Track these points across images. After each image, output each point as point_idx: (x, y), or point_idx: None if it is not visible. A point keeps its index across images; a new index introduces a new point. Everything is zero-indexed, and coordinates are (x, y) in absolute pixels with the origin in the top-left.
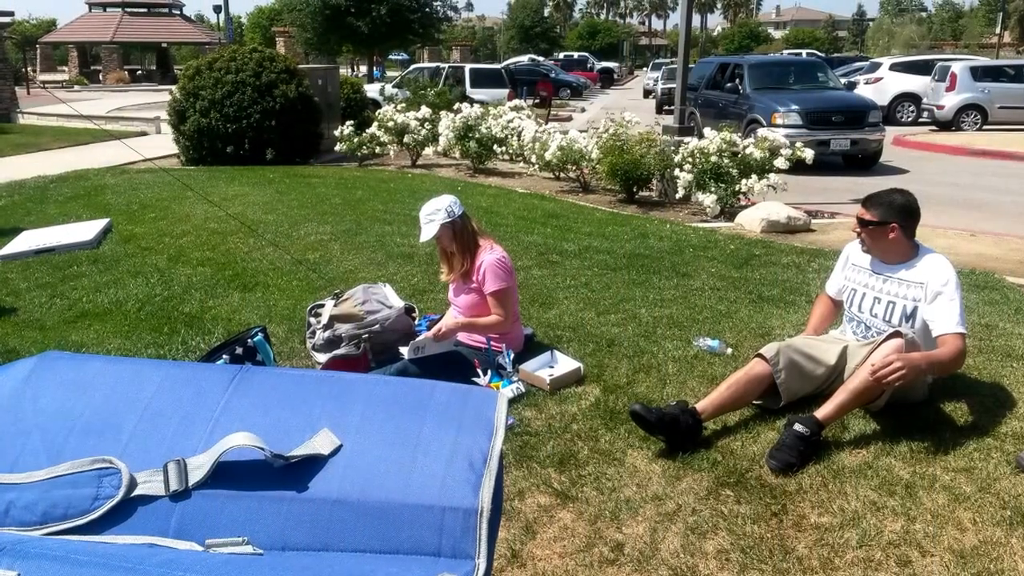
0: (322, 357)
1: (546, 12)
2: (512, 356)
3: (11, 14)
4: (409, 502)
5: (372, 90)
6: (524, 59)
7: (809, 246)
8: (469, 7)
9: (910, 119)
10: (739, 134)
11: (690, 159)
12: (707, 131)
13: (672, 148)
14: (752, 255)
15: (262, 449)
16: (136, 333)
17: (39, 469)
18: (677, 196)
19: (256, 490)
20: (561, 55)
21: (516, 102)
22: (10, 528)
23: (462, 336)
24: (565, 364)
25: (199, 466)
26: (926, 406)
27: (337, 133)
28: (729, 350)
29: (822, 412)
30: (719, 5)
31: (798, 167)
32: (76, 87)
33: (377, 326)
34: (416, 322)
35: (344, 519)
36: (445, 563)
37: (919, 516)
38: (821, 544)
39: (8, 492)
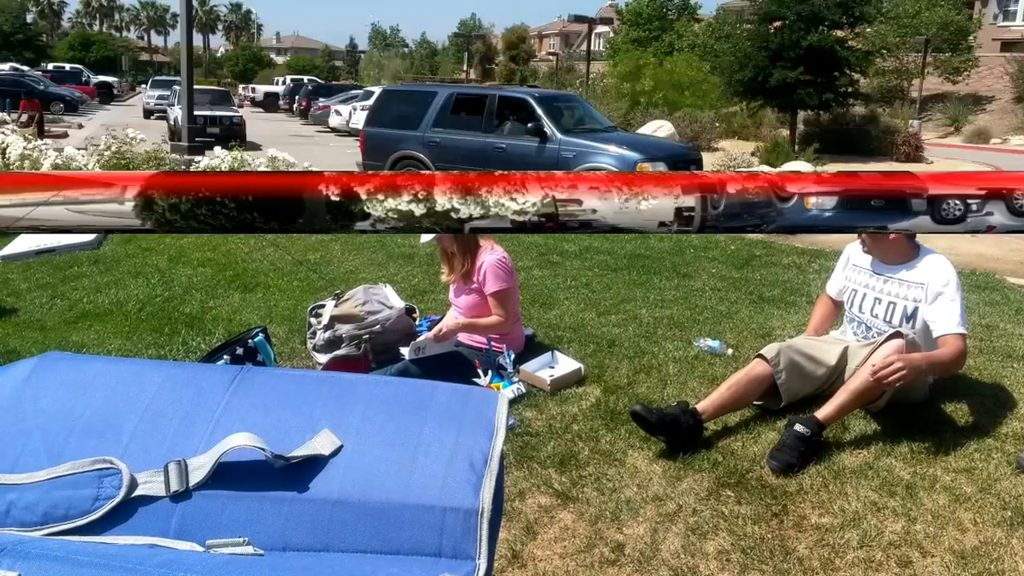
0: (323, 358)
1: (29, 18)
2: (513, 357)
3: None
4: (410, 503)
5: None
6: (6, 67)
7: (810, 247)
8: None
9: None
10: None
11: None
12: None
13: (184, 167)
14: (753, 256)
15: (263, 449)
16: (137, 334)
17: (40, 469)
18: None
19: (257, 491)
20: (51, 66)
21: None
22: (11, 528)
23: (463, 337)
24: (566, 365)
25: (200, 466)
26: (927, 407)
27: None
28: (730, 351)
29: (823, 412)
30: (220, 27)
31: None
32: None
33: (378, 327)
34: (417, 323)
35: (345, 520)
36: (446, 563)
37: (920, 517)
38: (822, 545)
39: (9, 492)
